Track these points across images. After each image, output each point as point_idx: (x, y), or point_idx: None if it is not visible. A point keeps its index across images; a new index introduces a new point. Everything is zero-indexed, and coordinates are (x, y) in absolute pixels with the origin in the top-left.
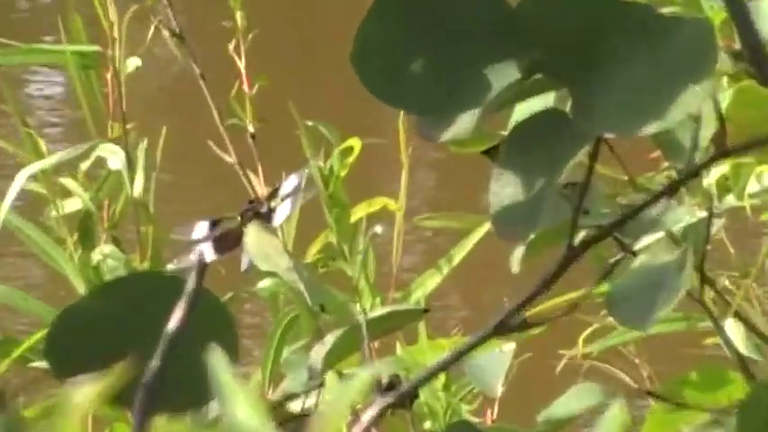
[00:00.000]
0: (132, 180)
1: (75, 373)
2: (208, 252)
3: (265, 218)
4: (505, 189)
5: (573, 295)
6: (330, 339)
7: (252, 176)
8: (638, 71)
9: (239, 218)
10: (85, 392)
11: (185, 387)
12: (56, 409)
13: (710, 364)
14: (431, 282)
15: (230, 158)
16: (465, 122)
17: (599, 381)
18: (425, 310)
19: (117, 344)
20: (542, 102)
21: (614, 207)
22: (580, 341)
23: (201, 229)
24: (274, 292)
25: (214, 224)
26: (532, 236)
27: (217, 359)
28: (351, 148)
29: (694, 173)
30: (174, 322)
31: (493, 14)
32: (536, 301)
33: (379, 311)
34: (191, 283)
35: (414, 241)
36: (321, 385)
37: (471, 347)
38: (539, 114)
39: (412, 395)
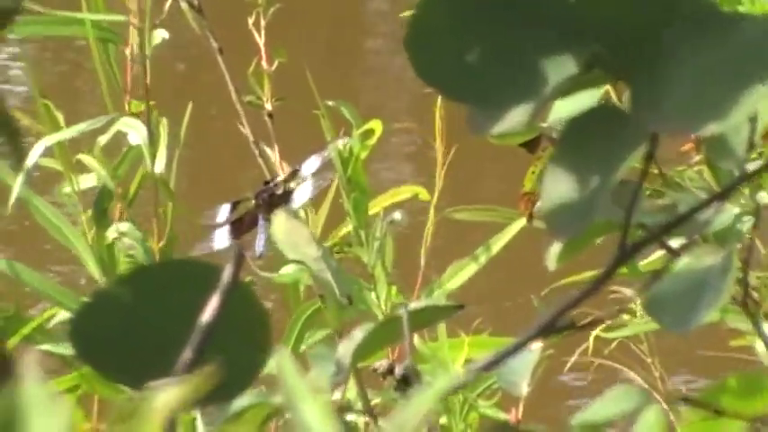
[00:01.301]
0: (154, 156)
1: (102, 359)
2: (224, 237)
3: (283, 200)
4: (559, 186)
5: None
6: (359, 334)
7: (268, 155)
8: (701, 68)
9: (254, 200)
10: (166, 397)
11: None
12: (134, 413)
13: (743, 369)
14: (461, 275)
15: (247, 134)
16: (518, 115)
17: (609, 379)
18: (460, 306)
19: (146, 331)
20: (590, 96)
21: (651, 204)
22: (591, 338)
23: (224, 212)
24: (295, 281)
25: (234, 207)
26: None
27: (283, 360)
28: (372, 131)
29: (751, 176)
30: (208, 313)
31: (553, 4)
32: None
33: (414, 306)
34: (227, 273)
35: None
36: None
37: (517, 348)
38: (594, 110)
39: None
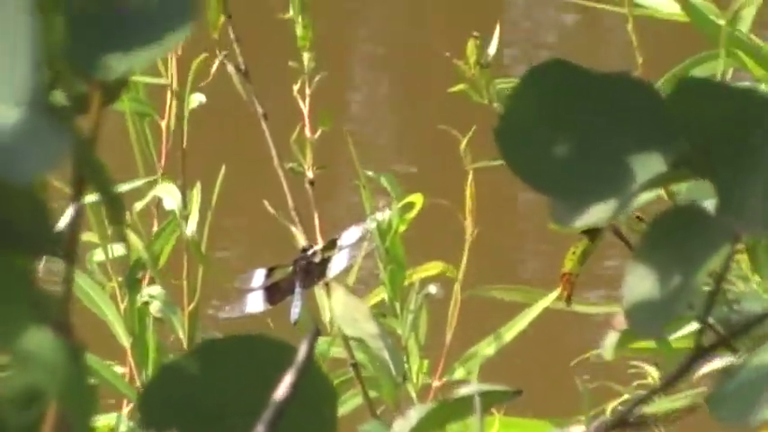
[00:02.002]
0: (186, 219)
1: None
2: (258, 301)
3: (320, 268)
4: (641, 283)
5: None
6: (415, 414)
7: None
8: None
9: (291, 267)
10: None
11: None
12: None
13: None
14: (482, 353)
15: (288, 203)
16: (603, 211)
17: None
18: (519, 392)
19: (216, 406)
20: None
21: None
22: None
23: (259, 277)
24: (323, 352)
25: (270, 272)
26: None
27: None
28: (412, 204)
29: None
30: (282, 390)
31: (644, 103)
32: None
33: (472, 389)
34: (302, 351)
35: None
36: None
37: None
38: (678, 208)
39: None
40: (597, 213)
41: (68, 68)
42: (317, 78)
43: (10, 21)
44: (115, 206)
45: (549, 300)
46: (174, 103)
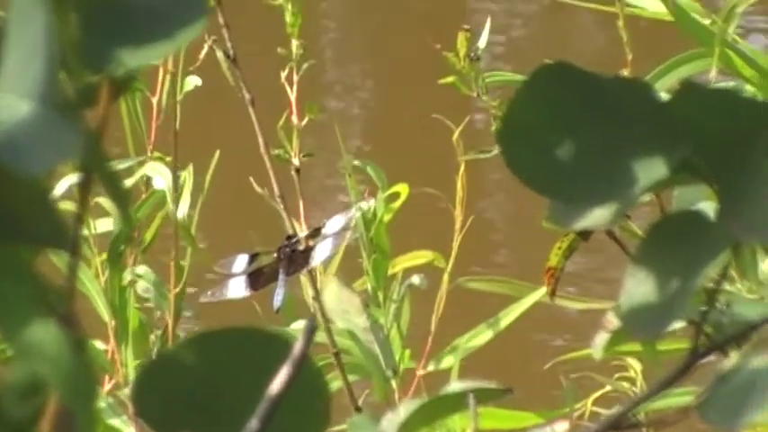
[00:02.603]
0: (177, 201)
1: (164, 422)
2: (241, 287)
3: (304, 256)
4: (640, 288)
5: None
6: (405, 410)
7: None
8: None
9: (276, 254)
10: None
11: None
12: None
13: None
14: (468, 345)
15: (273, 190)
16: (602, 214)
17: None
18: (509, 390)
19: (210, 397)
20: None
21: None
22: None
23: (241, 262)
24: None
25: (252, 258)
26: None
27: None
28: (397, 194)
29: None
30: (277, 384)
31: (646, 107)
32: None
33: (461, 386)
34: (299, 345)
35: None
36: None
37: None
38: (679, 214)
39: None
40: (597, 216)
41: (80, 62)
42: (304, 66)
43: (27, 16)
44: (121, 203)
45: (537, 295)
46: (167, 80)
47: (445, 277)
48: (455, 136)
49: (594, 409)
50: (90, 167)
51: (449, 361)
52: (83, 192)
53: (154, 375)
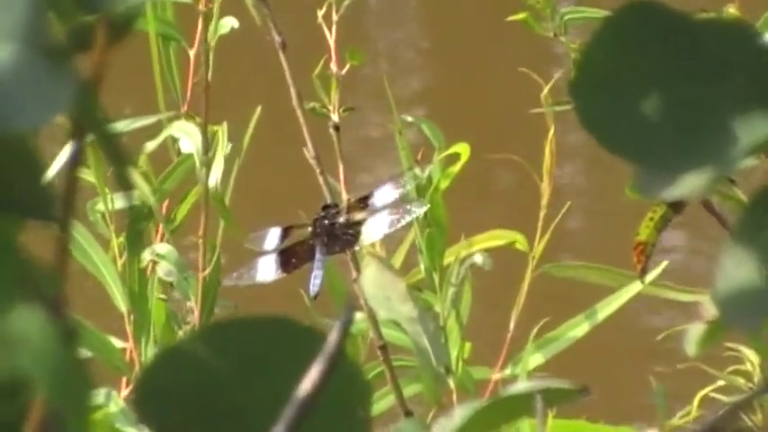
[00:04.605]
0: (209, 167)
1: (173, 429)
2: (271, 268)
3: (347, 232)
4: (739, 269)
5: None
6: (460, 414)
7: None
8: None
9: (311, 227)
10: None
11: None
12: None
13: None
14: (555, 345)
15: (307, 151)
16: (698, 180)
17: None
18: (586, 390)
19: (225, 399)
20: None
21: None
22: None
23: (273, 237)
24: (361, 330)
25: (285, 232)
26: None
27: None
28: (457, 155)
29: None
30: (307, 384)
31: (750, 53)
32: None
33: (526, 386)
34: (332, 340)
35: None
36: None
37: None
38: None
39: None
40: (690, 183)
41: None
42: (345, 2)
43: None
44: (120, 166)
45: (638, 285)
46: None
47: (531, 262)
48: (544, 92)
49: (713, 395)
50: (83, 123)
51: (536, 359)
52: (74, 152)
53: (160, 371)
